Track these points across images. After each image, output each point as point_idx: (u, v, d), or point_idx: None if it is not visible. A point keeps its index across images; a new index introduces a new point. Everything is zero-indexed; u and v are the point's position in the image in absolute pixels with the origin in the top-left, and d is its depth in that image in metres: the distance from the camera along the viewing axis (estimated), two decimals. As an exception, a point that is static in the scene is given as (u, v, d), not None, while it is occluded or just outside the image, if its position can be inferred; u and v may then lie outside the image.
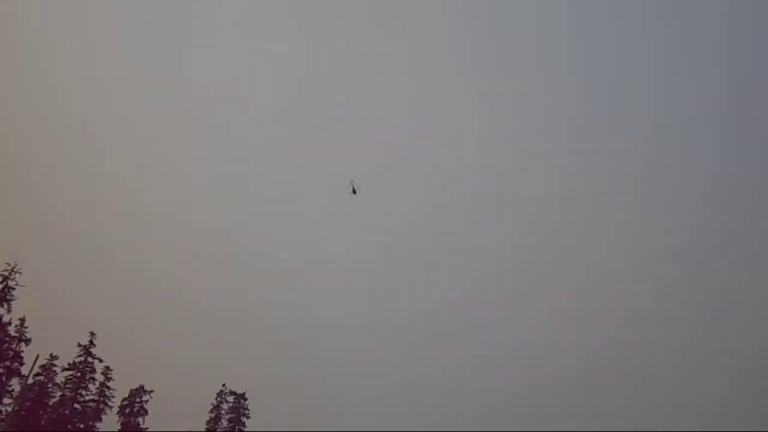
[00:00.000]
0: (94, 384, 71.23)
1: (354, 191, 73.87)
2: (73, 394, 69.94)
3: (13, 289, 68.37)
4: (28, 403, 68.79)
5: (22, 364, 68.41)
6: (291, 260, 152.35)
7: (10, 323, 67.48)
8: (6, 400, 67.10)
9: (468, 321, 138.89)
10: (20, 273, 68.63)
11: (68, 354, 71.51)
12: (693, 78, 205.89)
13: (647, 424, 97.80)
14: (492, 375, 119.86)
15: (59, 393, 70.56)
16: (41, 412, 69.32)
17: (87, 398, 70.41)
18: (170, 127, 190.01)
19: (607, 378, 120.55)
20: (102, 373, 71.97)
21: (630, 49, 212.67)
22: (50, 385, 71.12)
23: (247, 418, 76.50)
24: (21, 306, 69.43)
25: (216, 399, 77.11)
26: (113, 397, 72.04)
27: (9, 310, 67.20)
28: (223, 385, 78.01)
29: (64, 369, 71.00)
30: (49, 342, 73.52)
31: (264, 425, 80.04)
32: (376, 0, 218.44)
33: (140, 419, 72.95)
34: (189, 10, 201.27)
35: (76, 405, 69.73)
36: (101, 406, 70.93)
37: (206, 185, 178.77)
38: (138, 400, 73.47)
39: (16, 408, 66.31)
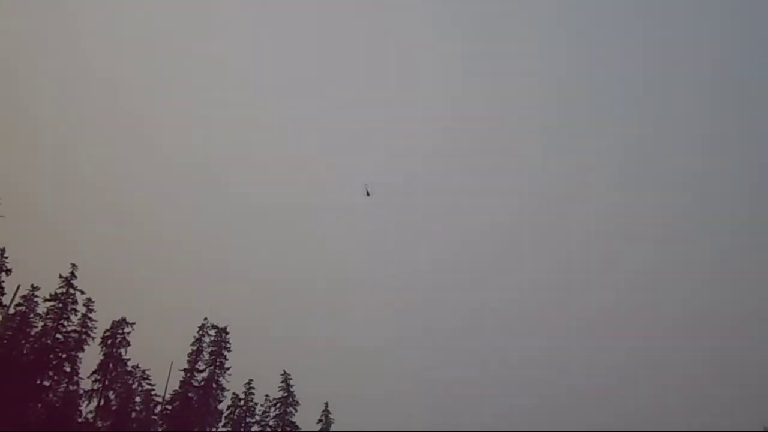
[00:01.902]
0: (76, 315, 71.60)
1: (368, 193, 77.02)
2: (55, 324, 70.29)
3: (-8, 219, 67.76)
4: (10, 333, 69.29)
5: (2, 294, 68.38)
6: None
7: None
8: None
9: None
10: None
11: (49, 285, 71.68)
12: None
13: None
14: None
15: (41, 323, 70.93)
16: (23, 341, 69.92)
17: (69, 329, 70.84)
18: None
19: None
20: (84, 305, 72.29)
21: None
22: (32, 315, 71.47)
23: (229, 351, 78.02)
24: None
25: (198, 332, 78.29)
26: (95, 328, 72.55)
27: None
28: (205, 318, 79.13)
29: (46, 300, 71.10)
30: (29, 273, 73.65)
31: (245, 359, 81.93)
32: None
33: (122, 350, 74.04)
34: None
35: (58, 335, 70.24)
36: (83, 336, 71.47)
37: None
38: (120, 331, 74.25)
39: (-2, 337, 66.94)
